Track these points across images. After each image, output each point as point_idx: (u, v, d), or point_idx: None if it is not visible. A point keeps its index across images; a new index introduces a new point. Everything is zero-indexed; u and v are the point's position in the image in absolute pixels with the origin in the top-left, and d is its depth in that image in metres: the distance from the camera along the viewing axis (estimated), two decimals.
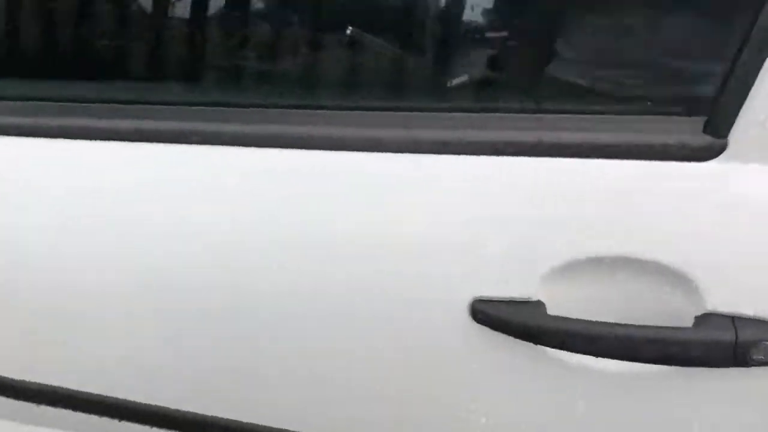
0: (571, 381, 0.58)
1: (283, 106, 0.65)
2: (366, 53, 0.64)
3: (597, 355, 0.56)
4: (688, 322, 0.55)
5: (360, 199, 0.59)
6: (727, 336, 0.54)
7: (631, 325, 0.55)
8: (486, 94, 0.64)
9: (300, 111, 0.64)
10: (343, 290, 0.60)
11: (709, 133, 0.55)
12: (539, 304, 0.57)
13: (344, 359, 0.62)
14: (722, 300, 0.55)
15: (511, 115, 0.60)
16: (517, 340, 0.58)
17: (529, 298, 0.57)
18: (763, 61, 0.52)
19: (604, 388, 0.58)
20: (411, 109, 0.62)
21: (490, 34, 0.62)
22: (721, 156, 0.54)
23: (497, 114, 0.60)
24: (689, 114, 0.56)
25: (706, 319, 0.55)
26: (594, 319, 0.56)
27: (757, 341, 0.53)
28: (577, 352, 0.57)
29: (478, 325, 0.58)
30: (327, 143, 0.60)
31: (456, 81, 0.63)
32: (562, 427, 0.60)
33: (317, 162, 0.60)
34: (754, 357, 0.54)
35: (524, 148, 0.57)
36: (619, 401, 0.59)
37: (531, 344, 0.57)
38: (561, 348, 0.57)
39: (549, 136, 0.57)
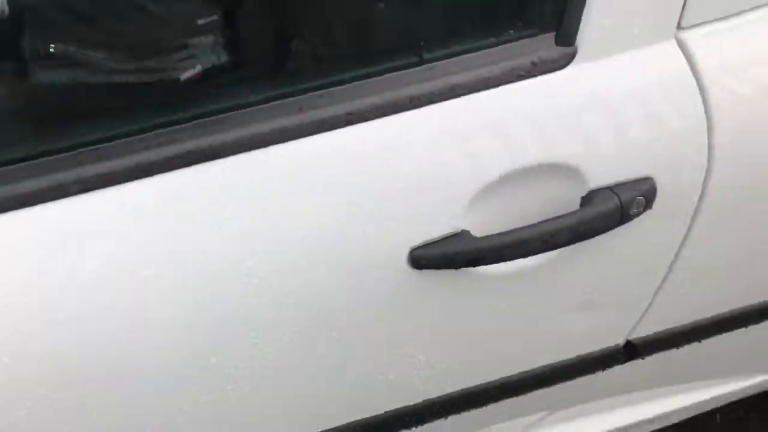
0: (502, 292, 0.69)
1: None
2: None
3: (519, 257, 0.66)
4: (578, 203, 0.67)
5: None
6: (612, 203, 0.66)
7: (539, 222, 0.65)
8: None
9: None
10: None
11: (561, 44, 0.63)
12: (465, 233, 0.65)
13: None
14: (600, 176, 0.66)
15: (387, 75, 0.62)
16: (453, 276, 0.65)
17: (456, 230, 0.64)
18: None
19: (523, 283, 0.70)
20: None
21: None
22: (574, 61, 0.63)
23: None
24: (542, 32, 0.63)
25: (592, 194, 0.66)
26: (511, 228, 0.65)
27: (633, 198, 0.66)
28: (506, 260, 0.66)
29: (419, 271, 0.65)
30: None
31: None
32: (497, 335, 0.72)
33: None
34: (632, 212, 0.67)
35: (410, 103, 0.61)
36: (539, 287, 0.71)
37: (466, 275, 0.66)
38: (493, 261, 0.66)
39: (432, 86, 0.61)
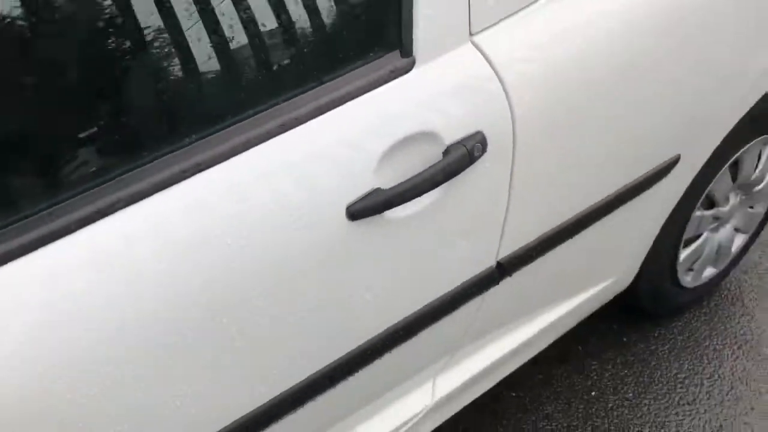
0: (406, 232, 1.02)
1: None
2: None
3: (413, 197, 0.99)
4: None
5: None
6: (462, 150, 1.01)
7: (421, 172, 0.99)
8: None
9: None
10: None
11: (404, 56, 0.99)
12: (377, 189, 0.97)
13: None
14: (453, 136, 1.02)
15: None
16: (375, 223, 0.97)
17: (372, 188, 0.97)
18: None
19: (419, 222, 1.03)
20: None
21: None
22: (415, 66, 0.99)
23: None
24: (391, 50, 0.98)
25: (449, 148, 1.01)
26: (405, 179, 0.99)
27: (473, 145, 1.02)
28: (406, 201, 0.99)
29: (355, 222, 0.96)
30: None
31: None
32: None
33: None
34: (475, 155, 1.03)
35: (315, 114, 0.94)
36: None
37: (382, 221, 0.98)
38: (399, 203, 0.98)
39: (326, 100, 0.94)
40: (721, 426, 1.72)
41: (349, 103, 0.95)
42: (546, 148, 1.14)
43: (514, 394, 1.78)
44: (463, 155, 1.02)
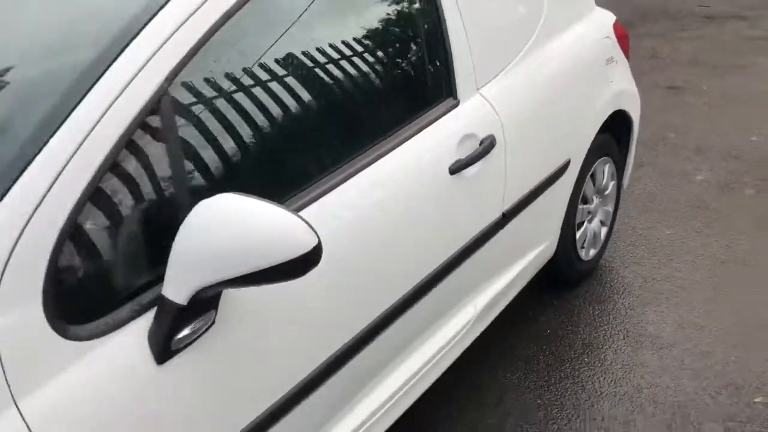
0: (471, 188, 2.04)
1: None
2: None
3: (470, 165, 2.02)
4: None
5: None
6: (489, 140, 2.07)
7: (472, 153, 2.03)
8: None
9: None
10: None
11: (455, 99, 2.04)
12: (459, 159, 1.99)
13: None
14: (481, 136, 2.07)
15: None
16: (461, 177, 1.99)
17: (456, 159, 1.98)
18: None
19: (477, 182, 2.05)
20: None
21: None
22: (460, 105, 2.05)
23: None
24: (447, 97, 2.04)
25: (482, 141, 2.06)
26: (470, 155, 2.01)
27: (491, 140, 2.08)
28: (473, 164, 2.01)
29: (452, 176, 1.95)
30: None
31: None
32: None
33: None
34: (493, 143, 2.09)
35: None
36: None
37: (461, 178, 2.00)
38: (466, 167, 2.00)
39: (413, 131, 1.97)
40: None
41: (438, 121, 1.98)
42: (517, 146, 2.23)
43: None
44: (488, 145, 2.07)
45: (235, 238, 1.22)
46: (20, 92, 1.35)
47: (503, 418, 2.40)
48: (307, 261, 1.25)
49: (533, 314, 2.92)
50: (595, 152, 2.80)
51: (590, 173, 2.85)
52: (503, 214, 2.25)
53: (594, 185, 2.96)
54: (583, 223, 2.96)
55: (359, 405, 1.82)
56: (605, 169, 3.01)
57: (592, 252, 3.08)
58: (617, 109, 2.86)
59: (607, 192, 3.07)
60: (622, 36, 2.96)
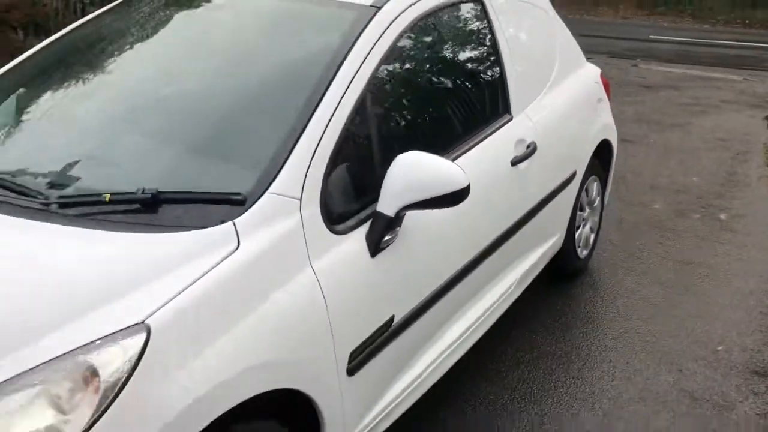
0: (522, 175, 2.85)
1: None
2: None
3: (523, 161, 2.82)
4: None
5: None
6: (533, 146, 2.88)
7: (524, 152, 2.84)
8: None
9: None
10: None
11: (509, 115, 2.86)
12: (516, 156, 2.79)
13: None
14: (528, 140, 2.89)
15: None
16: (518, 168, 2.79)
17: (514, 155, 2.78)
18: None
19: (525, 171, 2.86)
20: None
21: None
22: (513, 118, 2.87)
23: None
24: (507, 113, 2.85)
25: (529, 145, 2.88)
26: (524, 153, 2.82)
27: (534, 144, 2.90)
28: (522, 161, 2.82)
29: (513, 167, 2.75)
30: None
31: None
32: None
33: None
34: (535, 148, 2.90)
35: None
36: None
37: (520, 169, 2.81)
38: (521, 162, 2.81)
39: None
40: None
41: (500, 129, 2.78)
42: (547, 151, 3.05)
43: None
44: (533, 148, 2.88)
45: (420, 176, 1.97)
46: (282, 98, 2.10)
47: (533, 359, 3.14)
48: (461, 195, 2.01)
49: (546, 294, 3.70)
50: (589, 170, 3.65)
51: (585, 187, 3.70)
52: (540, 201, 3.05)
53: (587, 197, 3.80)
54: (579, 227, 3.79)
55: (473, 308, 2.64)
56: (594, 186, 3.86)
57: (585, 252, 3.90)
58: (604, 138, 3.74)
59: (595, 204, 3.92)
60: (605, 83, 3.88)
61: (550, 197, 3.16)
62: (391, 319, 2.09)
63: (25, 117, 2.31)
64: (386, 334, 2.07)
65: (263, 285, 1.70)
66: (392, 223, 2.01)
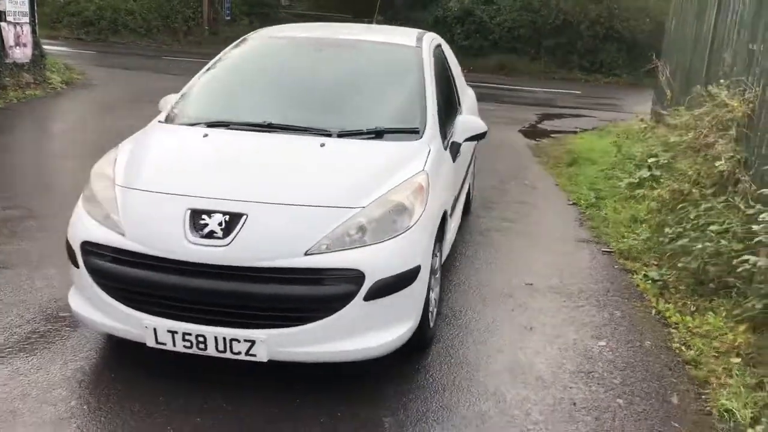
0: None
1: None
2: None
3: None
4: None
5: None
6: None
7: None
8: None
9: None
10: None
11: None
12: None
13: None
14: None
15: None
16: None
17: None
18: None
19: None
20: None
21: None
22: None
23: None
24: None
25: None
26: None
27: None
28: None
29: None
30: None
31: None
32: None
33: None
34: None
35: None
36: None
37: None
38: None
39: None
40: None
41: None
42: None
43: None
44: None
45: (471, 124, 4.48)
46: (409, 90, 4.45)
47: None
48: (485, 134, 4.55)
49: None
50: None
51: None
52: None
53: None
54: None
55: None
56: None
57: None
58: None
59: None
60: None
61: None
62: (456, 197, 4.52)
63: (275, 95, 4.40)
64: (454, 202, 4.49)
65: (440, 163, 4.04)
66: (459, 147, 4.43)
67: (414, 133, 4.09)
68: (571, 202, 7.06)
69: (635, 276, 5.12)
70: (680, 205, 5.77)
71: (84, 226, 3.43)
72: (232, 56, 4.78)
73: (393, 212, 3.39)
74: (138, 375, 3.45)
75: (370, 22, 18.95)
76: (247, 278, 3.15)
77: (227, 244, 3.16)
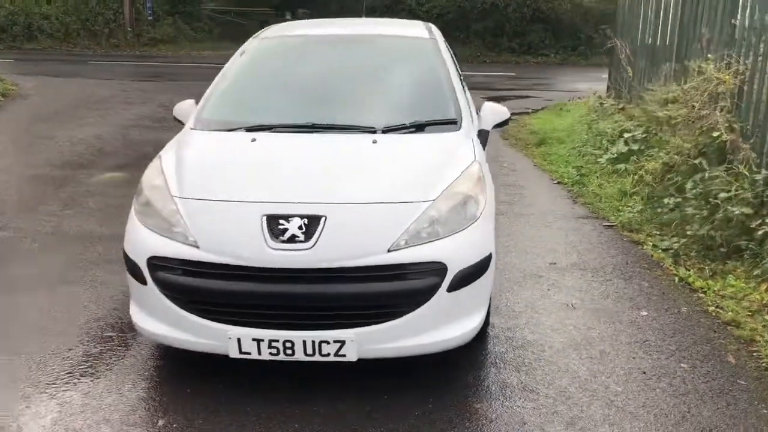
0: None
1: None
2: None
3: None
4: None
5: None
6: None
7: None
8: None
9: None
10: None
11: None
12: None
13: None
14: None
15: None
16: None
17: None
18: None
19: None
20: None
21: None
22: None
23: None
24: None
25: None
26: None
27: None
28: None
29: None
30: None
31: None
32: None
33: None
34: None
35: None
36: None
37: None
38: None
39: None
40: None
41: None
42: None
43: None
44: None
45: (496, 111, 4.57)
46: (436, 82, 4.49)
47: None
48: (509, 120, 4.65)
49: None
50: None
51: None
52: None
53: None
54: None
55: None
56: None
57: None
58: None
59: None
60: None
61: None
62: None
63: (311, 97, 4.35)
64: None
65: (479, 150, 4.10)
66: (488, 134, 4.51)
67: (452, 123, 4.15)
68: (555, 181, 7.27)
69: (645, 247, 5.35)
70: (668, 176, 6.07)
71: (147, 241, 3.32)
72: (250, 59, 4.69)
73: (461, 204, 3.44)
74: (215, 388, 3.39)
75: (293, 18, 18.84)
76: (334, 279, 3.14)
77: (310, 247, 3.13)
